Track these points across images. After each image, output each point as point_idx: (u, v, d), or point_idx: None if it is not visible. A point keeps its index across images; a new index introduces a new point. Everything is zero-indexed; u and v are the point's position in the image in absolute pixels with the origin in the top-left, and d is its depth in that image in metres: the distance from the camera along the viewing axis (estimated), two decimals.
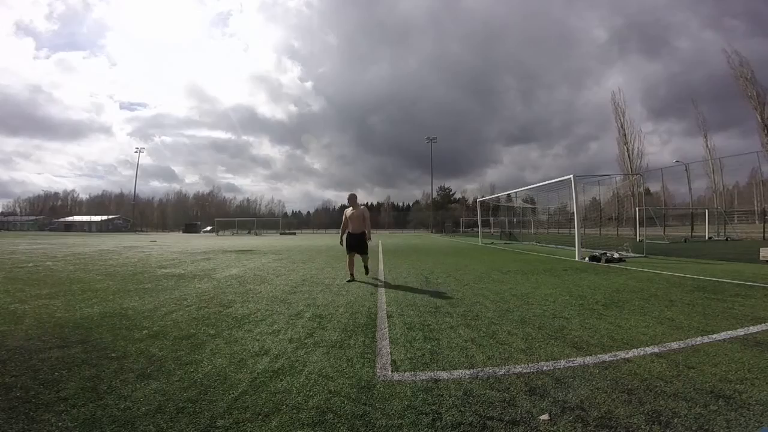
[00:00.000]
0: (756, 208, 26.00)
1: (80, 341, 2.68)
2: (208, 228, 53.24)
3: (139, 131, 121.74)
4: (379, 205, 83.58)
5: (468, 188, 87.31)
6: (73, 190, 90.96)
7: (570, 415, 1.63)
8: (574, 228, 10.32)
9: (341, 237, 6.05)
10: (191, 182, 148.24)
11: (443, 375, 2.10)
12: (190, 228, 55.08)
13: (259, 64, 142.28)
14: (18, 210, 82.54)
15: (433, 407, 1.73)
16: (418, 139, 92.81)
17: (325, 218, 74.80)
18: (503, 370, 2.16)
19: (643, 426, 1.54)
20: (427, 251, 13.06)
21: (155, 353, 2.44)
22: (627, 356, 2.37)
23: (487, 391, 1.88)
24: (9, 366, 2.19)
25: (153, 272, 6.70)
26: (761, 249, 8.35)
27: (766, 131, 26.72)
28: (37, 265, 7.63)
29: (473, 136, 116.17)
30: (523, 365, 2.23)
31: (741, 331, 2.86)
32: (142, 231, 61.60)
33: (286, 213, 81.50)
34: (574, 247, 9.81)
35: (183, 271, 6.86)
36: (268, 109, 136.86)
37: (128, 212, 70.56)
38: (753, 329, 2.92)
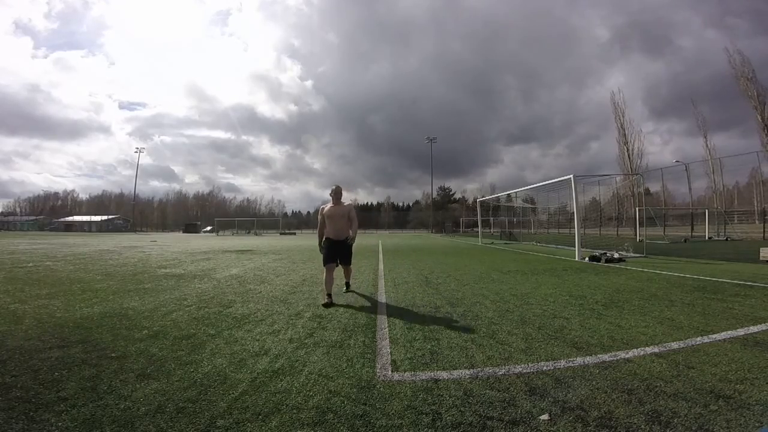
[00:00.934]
0: (756, 208, 26.03)
1: (80, 341, 2.68)
2: (208, 228, 53.22)
3: (138, 131, 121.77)
4: (379, 205, 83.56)
5: (468, 188, 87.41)
6: (73, 190, 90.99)
7: (570, 415, 1.63)
8: (574, 228, 10.32)
9: (319, 241, 4.49)
10: (191, 182, 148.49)
11: (443, 375, 2.10)
12: (190, 228, 55.05)
13: (259, 63, 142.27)
14: (18, 210, 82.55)
15: (433, 407, 1.73)
16: (418, 138, 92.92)
17: None
18: (503, 370, 2.16)
19: (643, 426, 1.54)
20: (427, 251, 13.06)
21: (155, 353, 2.44)
22: (627, 356, 2.37)
23: (487, 391, 1.88)
24: (9, 366, 2.19)
25: (153, 272, 6.70)
26: (761, 249, 8.36)
27: (766, 131, 26.73)
28: (37, 265, 7.63)
29: (474, 136, 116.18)
30: (523, 365, 2.23)
31: (741, 331, 2.86)
32: (142, 231, 61.62)
33: (286, 213, 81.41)
34: (574, 247, 9.81)
35: (183, 271, 6.86)
36: (267, 109, 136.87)
37: (128, 212, 70.52)
38: (753, 329, 2.92)
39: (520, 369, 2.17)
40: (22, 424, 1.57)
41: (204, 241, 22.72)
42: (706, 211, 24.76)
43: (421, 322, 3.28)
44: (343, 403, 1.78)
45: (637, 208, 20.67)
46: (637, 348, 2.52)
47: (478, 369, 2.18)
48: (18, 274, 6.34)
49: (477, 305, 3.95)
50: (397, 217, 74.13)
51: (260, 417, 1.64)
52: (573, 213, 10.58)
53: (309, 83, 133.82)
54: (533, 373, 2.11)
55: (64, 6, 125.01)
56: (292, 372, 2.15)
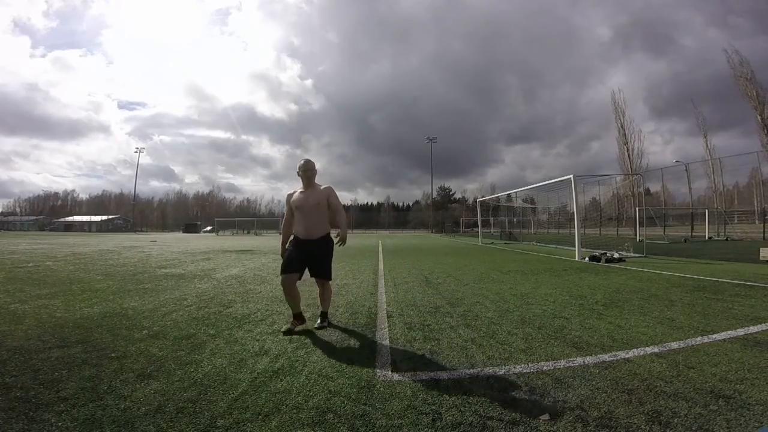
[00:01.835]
0: (756, 208, 26.04)
1: (80, 341, 2.68)
2: (208, 228, 53.24)
3: (137, 131, 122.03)
4: (379, 205, 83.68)
5: (468, 188, 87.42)
6: (73, 190, 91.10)
7: (570, 415, 1.63)
8: (574, 228, 10.32)
9: (282, 247, 3.14)
10: (191, 182, 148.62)
11: (443, 375, 2.10)
12: (190, 228, 55.05)
13: (259, 62, 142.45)
14: (18, 210, 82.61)
15: (433, 407, 1.73)
16: (418, 138, 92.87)
17: None
18: (503, 370, 2.15)
19: (643, 426, 1.54)
20: (427, 251, 13.06)
21: (155, 353, 2.44)
22: (627, 356, 2.36)
23: (487, 391, 1.88)
24: (9, 366, 2.19)
25: (153, 272, 6.70)
26: (761, 249, 8.36)
27: (765, 131, 26.73)
28: (37, 265, 7.63)
29: (474, 136, 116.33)
30: (523, 365, 2.23)
31: (741, 331, 2.86)
32: (142, 231, 61.59)
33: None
34: (574, 247, 9.81)
35: (183, 271, 6.86)
36: (267, 108, 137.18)
37: (128, 212, 70.57)
38: (753, 329, 2.92)
39: (520, 369, 2.17)
40: (22, 424, 1.56)
41: (204, 241, 22.72)
42: (706, 211, 24.77)
43: (421, 322, 3.28)
44: (343, 403, 1.78)
45: (637, 208, 20.68)
46: (637, 348, 2.52)
47: (478, 369, 2.18)
48: (18, 274, 6.34)
49: (477, 305, 3.95)
50: (397, 217, 74.20)
51: (260, 417, 1.64)
52: (573, 213, 10.59)
53: (309, 82, 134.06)
54: (533, 373, 2.11)
55: (64, 4, 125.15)
56: (292, 372, 2.15)
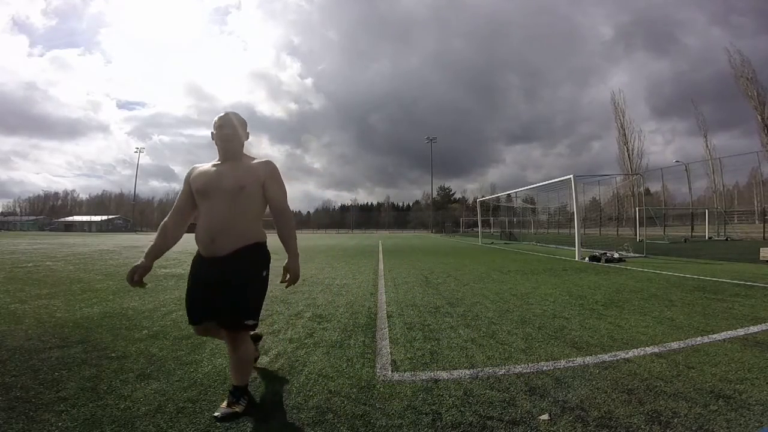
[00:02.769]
0: (756, 208, 26.03)
1: (80, 341, 2.68)
2: None
3: (137, 130, 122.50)
4: (380, 205, 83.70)
5: (468, 188, 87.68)
6: (73, 190, 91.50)
7: (570, 415, 1.63)
8: (574, 228, 10.32)
9: (152, 247, 1.77)
10: None
11: (443, 375, 2.10)
12: (191, 228, 54.89)
13: (258, 61, 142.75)
14: (18, 210, 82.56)
15: (433, 407, 1.73)
16: (418, 138, 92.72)
17: (325, 218, 74.87)
18: (503, 370, 2.15)
19: (643, 426, 1.54)
20: (427, 251, 13.06)
21: (155, 353, 2.44)
22: (627, 356, 2.36)
23: (487, 391, 1.88)
24: (9, 366, 2.19)
25: (153, 272, 6.63)
26: (761, 249, 8.35)
27: (766, 131, 26.74)
28: (37, 265, 7.63)
29: (475, 135, 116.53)
30: (523, 365, 2.23)
31: (741, 331, 2.86)
32: (142, 231, 61.52)
33: None
34: (574, 247, 9.82)
35: (183, 271, 6.86)
36: (267, 107, 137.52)
37: (128, 212, 70.50)
38: (753, 329, 2.92)
39: (520, 369, 2.17)
40: (22, 424, 1.56)
41: None
42: (706, 211, 24.77)
43: (421, 322, 3.28)
44: (343, 403, 1.78)
45: (637, 208, 20.67)
46: (637, 348, 2.52)
47: (478, 369, 2.18)
48: (18, 274, 6.34)
49: (477, 305, 3.95)
50: (397, 217, 74.19)
51: (260, 417, 1.64)
52: (573, 213, 10.59)
53: (309, 81, 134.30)
54: (533, 373, 2.11)
55: (63, 2, 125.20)
56: (292, 372, 2.15)
